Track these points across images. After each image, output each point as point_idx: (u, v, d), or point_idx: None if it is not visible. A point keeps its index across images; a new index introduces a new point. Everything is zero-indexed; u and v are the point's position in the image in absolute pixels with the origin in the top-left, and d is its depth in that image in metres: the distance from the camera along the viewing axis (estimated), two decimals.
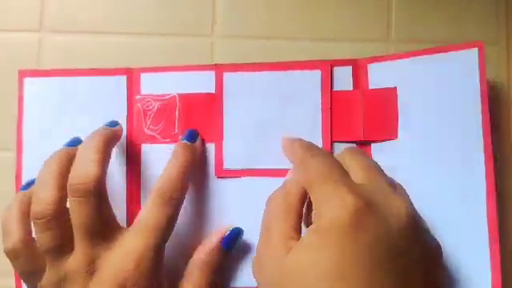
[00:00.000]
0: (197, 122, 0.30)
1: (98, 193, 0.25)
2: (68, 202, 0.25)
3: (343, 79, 0.30)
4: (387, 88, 0.30)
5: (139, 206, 0.30)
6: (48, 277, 0.25)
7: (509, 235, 0.30)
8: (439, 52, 0.29)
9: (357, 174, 0.25)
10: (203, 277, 0.27)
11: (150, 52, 0.32)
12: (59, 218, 0.25)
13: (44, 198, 0.25)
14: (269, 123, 0.30)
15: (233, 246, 0.28)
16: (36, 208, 0.25)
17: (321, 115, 0.30)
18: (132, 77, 0.31)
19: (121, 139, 0.30)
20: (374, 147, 0.30)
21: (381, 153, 0.30)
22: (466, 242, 0.28)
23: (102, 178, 0.26)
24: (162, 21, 0.32)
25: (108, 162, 0.27)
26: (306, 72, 0.30)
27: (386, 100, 0.30)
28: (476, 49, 0.29)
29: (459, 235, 0.28)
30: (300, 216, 0.25)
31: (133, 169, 0.30)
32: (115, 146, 0.29)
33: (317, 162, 0.24)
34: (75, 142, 0.28)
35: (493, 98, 0.31)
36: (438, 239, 0.25)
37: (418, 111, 0.29)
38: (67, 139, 0.29)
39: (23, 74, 0.31)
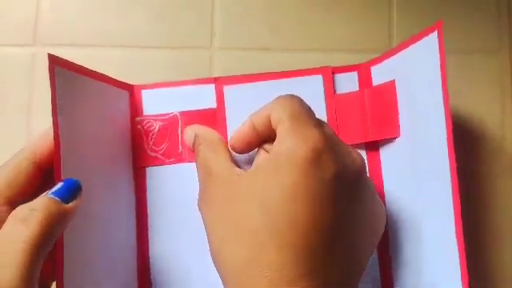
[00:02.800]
0: None
1: None
2: None
3: (350, 85, 0.30)
4: (386, 82, 0.29)
5: (147, 231, 0.29)
6: None
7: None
8: (416, 41, 0.28)
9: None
10: None
11: (148, 65, 0.32)
12: None
13: None
14: None
15: (68, 195, 0.23)
16: None
17: (326, 119, 0.30)
18: (134, 94, 0.30)
19: (126, 161, 0.29)
20: (383, 146, 0.30)
21: (389, 151, 0.30)
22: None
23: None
24: (160, 33, 0.32)
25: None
26: (307, 78, 0.30)
27: (386, 95, 0.29)
28: (435, 32, 0.26)
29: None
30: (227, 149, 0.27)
31: (139, 194, 0.29)
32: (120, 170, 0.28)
33: (288, 106, 0.25)
34: None
35: (496, 105, 0.31)
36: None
37: (409, 107, 0.28)
38: None
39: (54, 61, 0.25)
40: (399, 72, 0.29)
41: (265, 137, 0.26)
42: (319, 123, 0.24)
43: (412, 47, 0.28)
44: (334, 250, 0.22)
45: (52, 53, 0.31)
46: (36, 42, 0.31)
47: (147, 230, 0.29)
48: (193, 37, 0.32)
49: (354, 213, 0.23)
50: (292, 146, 0.23)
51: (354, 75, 0.31)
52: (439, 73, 0.26)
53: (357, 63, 0.31)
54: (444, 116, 0.25)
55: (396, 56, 0.29)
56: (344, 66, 0.31)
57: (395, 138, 0.29)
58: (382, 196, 0.30)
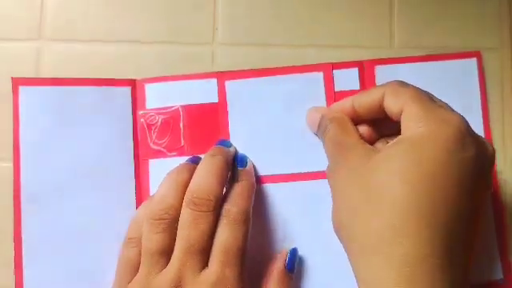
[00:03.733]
0: (202, 133, 0.30)
1: (216, 211, 0.26)
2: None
3: (349, 81, 0.31)
4: None
5: None
6: (137, 280, 0.25)
7: None
8: (442, 59, 0.30)
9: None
10: None
11: (151, 60, 0.32)
12: (173, 225, 0.25)
13: (167, 202, 0.26)
14: (274, 128, 0.30)
15: (295, 267, 0.28)
16: (157, 208, 0.26)
17: None
18: (136, 88, 0.31)
19: (128, 154, 0.30)
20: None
21: None
22: None
23: (221, 198, 0.26)
24: (163, 29, 0.32)
25: (225, 183, 0.27)
26: (308, 74, 0.30)
27: None
28: (474, 59, 0.30)
29: None
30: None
31: (142, 185, 0.30)
32: (123, 163, 0.29)
33: (407, 89, 0.25)
34: (196, 160, 0.28)
35: (497, 103, 0.32)
36: None
37: None
38: (67, 152, 0.29)
39: (17, 82, 0.30)
40: (415, 81, 0.29)
41: (360, 120, 0.28)
42: (446, 106, 0.25)
43: (442, 63, 0.30)
44: (465, 231, 0.22)
45: (57, 47, 0.32)
46: (41, 36, 0.32)
47: None
48: (195, 32, 0.32)
49: (484, 198, 0.25)
50: (434, 128, 0.23)
51: (355, 72, 0.31)
52: (479, 95, 0.30)
53: (357, 59, 0.31)
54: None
55: (412, 64, 0.31)
56: (345, 62, 0.31)
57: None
58: None
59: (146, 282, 0.25)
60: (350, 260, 0.24)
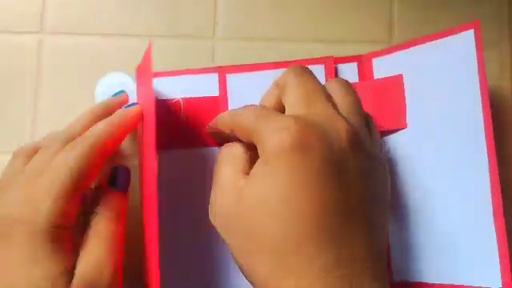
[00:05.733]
0: (202, 126, 0.30)
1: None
2: None
3: (350, 76, 0.31)
4: (393, 76, 0.30)
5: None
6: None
7: None
8: (439, 38, 0.29)
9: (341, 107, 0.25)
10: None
11: (152, 54, 0.32)
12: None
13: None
14: None
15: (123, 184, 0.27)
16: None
17: None
18: None
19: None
20: (386, 137, 0.30)
21: (392, 141, 0.30)
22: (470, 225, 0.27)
23: None
24: (163, 23, 0.32)
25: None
26: (310, 68, 0.30)
27: (393, 88, 0.30)
28: (472, 30, 0.28)
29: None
30: (246, 161, 0.25)
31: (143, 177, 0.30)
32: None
33: (251, 110, 0.25)
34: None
35: (496, 100, 0.31)
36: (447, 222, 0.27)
37: (424, 99, 0.29)
38: None
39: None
40: (412, 65, 0.30)
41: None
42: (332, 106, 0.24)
43: (438, 42, 0.29)
44: (350, 227, 0.22)
45: (58, 41, 0.32)
46: (42, 29, 0.32)
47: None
48: (196, 27, 0.32)
49: (355, 185, 0.22)
50: (271, 142, 0.22)
51: (354, 66, 0.31)
52: (476, 69, 0.27)
53: (357, 54, 0.31)
54: (482, 113, 0.27)
55: (407, 50, 0.30)
56: (345, 57, 0.31)
57: (400, 130, 0.30)
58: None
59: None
60: None
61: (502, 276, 0.25)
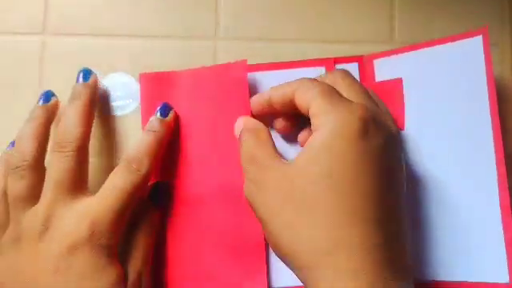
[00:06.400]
0: None
1: (81, 151, 0.27)
2: (48, 157, 0.27)
3: None
4: (393, 79, 0.30)
5: None
6: (8, 232, 0.26)
7: None
8: (443, 43, 0.29)
9: (350, 95, 0.26)
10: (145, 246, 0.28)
11: (153, 55, 0.32)
12: (35, 168, 0.26)
13: (23, 149, 0.26)
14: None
15: (160, 199, 0.29)
16: (14, 158, 0.26)
17: None
18: None
19: None
20: None
21: None
22: (478, 221, 0.28)
23: (87, 140, 0.27)
24: (165, 23, 0.32)
25: (92, 121, 0.28)
26: (311, 69, 0.30)
27: (392, 91, 0.30)
28: (480, 36, 0.28)
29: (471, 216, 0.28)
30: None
31: None
32: None
33: (316, 84, 0.26)
34: (48, 97, 0.29)
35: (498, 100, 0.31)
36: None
37: (424, 102, 0.29)
38: None
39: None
40: (415, 69, 0.30)
41: (277, 114, 0.28)
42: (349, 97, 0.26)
43: (443, 47, 0.29)
44: (398, 210, 0.24)
45: (61, 42, 0.32)
46: (45, 30, 0.32)
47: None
48: (197, 27, 0.32)
49: (401, 177, 0.25)
50: (338, 120, 0.23)
51: (355, 66, 0.31)
52: (484, 75, 0.28)
53: (358, 54, 0.31)
54: (490, 116, 0.28)
55: (411, 53, 0.30)
56: (345, 57, 0.31)
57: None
58: None
59: (17, 223, 0.25)
60: (297, 276, 0.24)
61: (510, 271, 0.26)
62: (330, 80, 0.27)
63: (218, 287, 0.28)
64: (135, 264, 0.26)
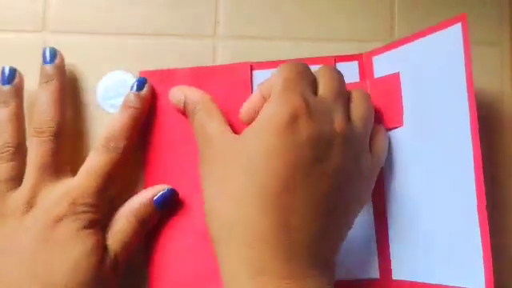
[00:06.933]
0: None
1: (60, 135, 0.28)
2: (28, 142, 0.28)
3: (350, 74, 0.31)
4: (390, 74, 0.30)
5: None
6: None
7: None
8: (430, 33, 0.29)
9: (323, 91, 0.27)
10: (129, 225, 0.28)
11: (152, 53, 0.32)
12: (18, 151, 0.28)
13: (3, 133, 0.28)
14: None
15: (165, 207, 0.29)
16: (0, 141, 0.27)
17: None
18: None
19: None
20: None
21: (392, 142, 0.30)
22: (456, 226, 0.27)
23: (64, 122, 0.28)
24: (164, 22, 0.32)
25: (65, 102, 0.29)
26: (312, 68, 0.30)
27: (390, 86, 0.30)
28: (459, 23, 0.27)
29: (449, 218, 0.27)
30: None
31: None
32: None
33: (288, 66, 0.27)
34: (11, 76, 0.29)
35: (496, 100, 0.31)
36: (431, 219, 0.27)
37: (419, 96, 0.29)
38: None
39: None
40: (407, 63, 0.29)
41: None
42: (307, 90, 0.26)
43: (428, 38, 0.28)
44: (309, 210, 0.24)
45: (61, 39, 0.32)
46: (45, 28, 0.32)
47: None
48: (196, 25, 0.32)
49: (329, 177, 0.24)
50: (271, 111, 0.25)
51: (355, 65, 0.31)
52: (463, 63, 0.26)
53: (358, 53, 0.31)
54: (468, 109, 0.26)
55: (403, 47, 0.30)
56: (345, 56, 0.31)
57: (397, 128, 0.30)
58: (382, 182, 0.30)
59: (2, 202, 0.27)
60: (215, 248, 0.25)
61: (486, 278, 0.25)
62: (316, 74, 0.28)
63: None
64: (115, 236, 0.28)
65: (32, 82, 0.31)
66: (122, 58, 0.32)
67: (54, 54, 0.30)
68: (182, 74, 0.31)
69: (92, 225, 0.27)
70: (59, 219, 0.26)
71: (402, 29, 0.33)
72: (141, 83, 0.30)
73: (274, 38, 0.32)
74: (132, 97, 0.29)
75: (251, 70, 0.31)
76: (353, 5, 0.33)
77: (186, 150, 0.30)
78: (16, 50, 0.32)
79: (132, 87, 0.30)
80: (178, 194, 0.30)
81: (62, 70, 0.30)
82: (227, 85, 0.30)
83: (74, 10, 0.32)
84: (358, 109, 0.27)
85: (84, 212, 0.26)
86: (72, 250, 0.26)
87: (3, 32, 0.32)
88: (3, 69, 0.29)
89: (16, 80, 0.29)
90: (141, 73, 0.31)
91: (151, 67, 0.31)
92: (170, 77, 0.31)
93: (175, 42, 0.32)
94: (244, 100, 0.29)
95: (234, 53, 0.32)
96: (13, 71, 0.29)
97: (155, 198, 0.29)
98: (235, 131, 0.28)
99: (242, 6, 0.33)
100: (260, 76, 0.31)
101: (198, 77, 0.31)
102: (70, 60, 0.31)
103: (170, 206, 0.29)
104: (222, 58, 0.32)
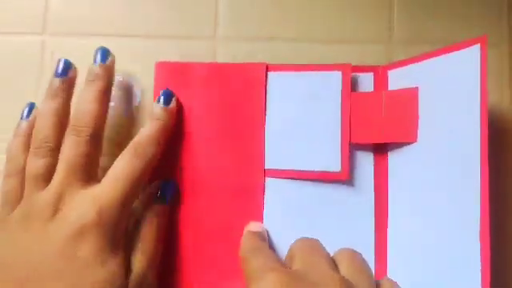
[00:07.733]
0: None
1: (96, 137, 0.27)
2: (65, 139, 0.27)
3: (365, 85, 0.30)
4: (408, 88, 0.29)
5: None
6: (19, 208, 0.26)
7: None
8: (449, 51, 0.28)
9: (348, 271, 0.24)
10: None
11: (152, 54, 0.31)
12: (55, 149, 0.27)
13: (45, 129, 0.27)
14: (291, 123, 0.30)
15: (170, 199, 0.29)
16: (37, 138, 0.27)
17: (340, 116, 0.29)
18: None
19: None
20: (392, 150, 0.29)
21: (398, 156, 0.29)
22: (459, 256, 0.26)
23: (103, 125, 0.28)
24: (164, 23, 0.32)
25: (108, 106, 0.28)
26: (327, 73, 0.30)
27: (407, 100, 0.29)
28: (478, 45, 0.26)
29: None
30: None
31: None
32: None
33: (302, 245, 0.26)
34: (66, 69, 0.29)
35: (496, 103, 0.31)
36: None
37: (433, 113, 0.28)
38: None
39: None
40: (424, 79, 0.28)
41: None
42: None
43: (447, 57, 0.28)
44: None
45: (61, 41, 0.32)
46: (45, 30, 0.32)
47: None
48: (197, 26, 0.31)
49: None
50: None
51: (370, 76, 0.30)
52: (479, 85, 0.26)
53: (359, 53, 0.31)
54: (479, 131, 0.25)
55: (421, 63, 0.29)
56: (361, 66, 0.30)
57: (410, 143, 0.28)
58: (386, 195, 0.29)
59: (29, 201, 0.26)
60: None
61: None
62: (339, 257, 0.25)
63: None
64: (140, 256, 0.27)
65: (32, 82, 0.31)
66: (122, 60, 0.31)
67: (106, 54, 0.29)
68: (198, 68, 0.30)
69: (116, 242, 0.26)
70: (84, 231, 0.25)
71: (401, 30, 0.32)
72: (168, 96, 0.29)
73: (274, 39, 0.32)
74: (159, 110, 0.28)
75: (267, 70, 0.30)
76: (352, 7, 0.32)
77: (197, 141, 0.30)
78: (15, 52, 0.32)
79: (159, 99, 0.29)
80: (175, 183, 0.29)
81: (110, 72, 0.29)
82: (242, 82, 0.30)
83: (74, 12, 0.32)
84: None
85: (110, 225, 0.25)
86: (97, 271, 0.25)
87: (2, 34, 0.32)
88: (59, 60, 0.29)
89: (70, 74, 0.29)
90: (157, 64, 0.30)
91: (151, 69, 0.30)
92: (185, 70, 0.30)
93: (175, 43, 0.31)
94: (257, 99, 0.29)
95: (234, 54, 0.31)
96: (68, 64, 0.29)
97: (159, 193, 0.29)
98: (241, 129, 0.29)
99: (242, 7, 0.32)
100: (274, 78, 0.30)
101: (214, 72, 0.30)
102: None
103: (175, 198, 0.29)
104: (222, 60, 0.31)
